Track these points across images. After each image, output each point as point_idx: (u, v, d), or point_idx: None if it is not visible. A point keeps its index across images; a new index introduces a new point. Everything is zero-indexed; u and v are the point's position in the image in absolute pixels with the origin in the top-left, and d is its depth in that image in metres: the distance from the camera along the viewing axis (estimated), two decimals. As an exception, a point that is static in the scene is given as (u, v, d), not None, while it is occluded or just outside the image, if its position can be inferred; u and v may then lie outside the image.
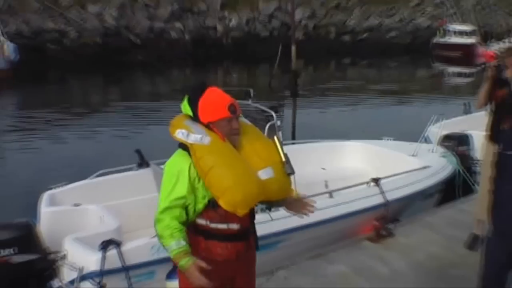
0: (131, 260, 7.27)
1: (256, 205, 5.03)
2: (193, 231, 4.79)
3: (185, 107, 4.85)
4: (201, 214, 4.75)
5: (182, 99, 4.93)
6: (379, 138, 13.33)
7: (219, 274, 4.84)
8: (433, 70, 58.40)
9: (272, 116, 9.43)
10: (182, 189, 4.61)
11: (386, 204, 9.66)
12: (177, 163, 4.70)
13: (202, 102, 4.75)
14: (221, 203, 4.60)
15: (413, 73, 55.48)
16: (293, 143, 12.91)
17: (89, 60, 49.45)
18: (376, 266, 8.45)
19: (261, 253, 7.93)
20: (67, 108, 30.13)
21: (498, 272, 6.12)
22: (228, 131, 4.71)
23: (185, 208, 4.70)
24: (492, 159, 6.28)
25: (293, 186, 8.80)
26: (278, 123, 9.40)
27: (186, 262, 4.58)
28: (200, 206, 4.71)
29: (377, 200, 9.67)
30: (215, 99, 4.75)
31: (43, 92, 37.71)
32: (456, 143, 13.33)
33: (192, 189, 4.64)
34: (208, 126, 4.70)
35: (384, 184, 9.86)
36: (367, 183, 9.93)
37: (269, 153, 4.88)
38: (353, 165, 12.48)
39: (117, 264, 7.14)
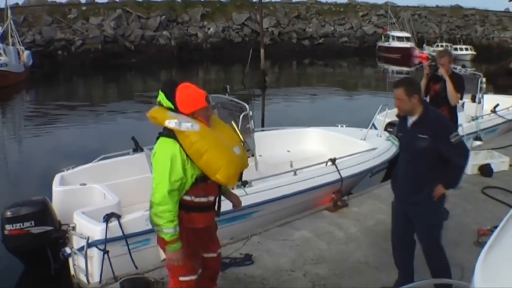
0: (130, 229, 7.21)
1: None
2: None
3: (165, 101, 4.85)
4: (187, 192, 4.78)
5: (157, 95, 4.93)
6: (335, 125, 13.28)
7: (200, 240, 5.04)
8: (378, 69, 58.56)
9: (245, 107, 9.39)
10: (178, 171, 4.65)
11: (341, 180, 9.63)
12: (168, 149, 4.68)
13: (181, 96, 4.80)
14: (218, 177, 4.72)
15: (362, 71, 55.66)
16: (263, 130, 12.83)
17: (92, 63, 49.42)
18: (334, 231, 8.45)
19: (238, 222, 7.95)
20: (73, 103, 29.92)
21: (401, 230, 6.19)
22: (205, 117, 4.83)
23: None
24: None
25: (260, 165, 8.83)
26: (250, 113, 9.36)
27: (177, 246, 4.75)
28: (189, 184, 4.75)
29: (334, 176, 9.64)
30: (193, 93, 4.84)
31: (54, 90, 37.58)
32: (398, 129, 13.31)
33: (183, 170, 4.66)
34: (191, 115, 4.76)
35: (339, 163, 9.84)
36: (325, 162, 9.91)
37: (233, 135, 5.15)
38: (313, 147, 12.44)
39: (118, 233, 7.09)
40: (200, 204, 4.91)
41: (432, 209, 5.88)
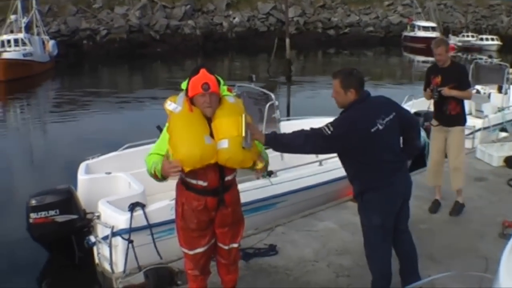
0: (154, 219, 7.22)
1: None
2: (180, 181, 5.20)
3: (184, 84, 5.09)
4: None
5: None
6: (360, 115, 13.20)
7: (196, 217, 5.14)
8: (404, 59, 58.22)
9: (271, 97, 9.35)
10: (162, 147, 5.02)
11: (366, 170, 9.58)
12: (166, 127, 5.08)
13: (191, 80, 4.97)
14: (171, 158, 4.88)
15: (387, 61, 55.35)
16: (288, 119, 12.76)
17: (117, 53, 49.64)
18: (358, 222, 8.33)
19: (262, 212, 7.93)
20: (98, 92, 30.12)
21: None
22: (201, 105, 4.92)
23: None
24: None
25: (285, 155, 8.72)
26: (276, 102, 9.33)
27: (159, 165, 4.88)
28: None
29: (359, 167, 9.59)
30: (196, 78, 4.93)
31: (79, 80, 37.74)
32: (424, 119, 13.17)
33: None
34: (192, 100, 4.96)
35: (364, 153, 9.77)
36: (351, 153, 9.84)
37: (230, 128, 4.95)
38: (338, 137, 12.36)
39: (143, 222, 7.09)
40: (192, 185, 5.05)
41: (359, 207, 5.78)
